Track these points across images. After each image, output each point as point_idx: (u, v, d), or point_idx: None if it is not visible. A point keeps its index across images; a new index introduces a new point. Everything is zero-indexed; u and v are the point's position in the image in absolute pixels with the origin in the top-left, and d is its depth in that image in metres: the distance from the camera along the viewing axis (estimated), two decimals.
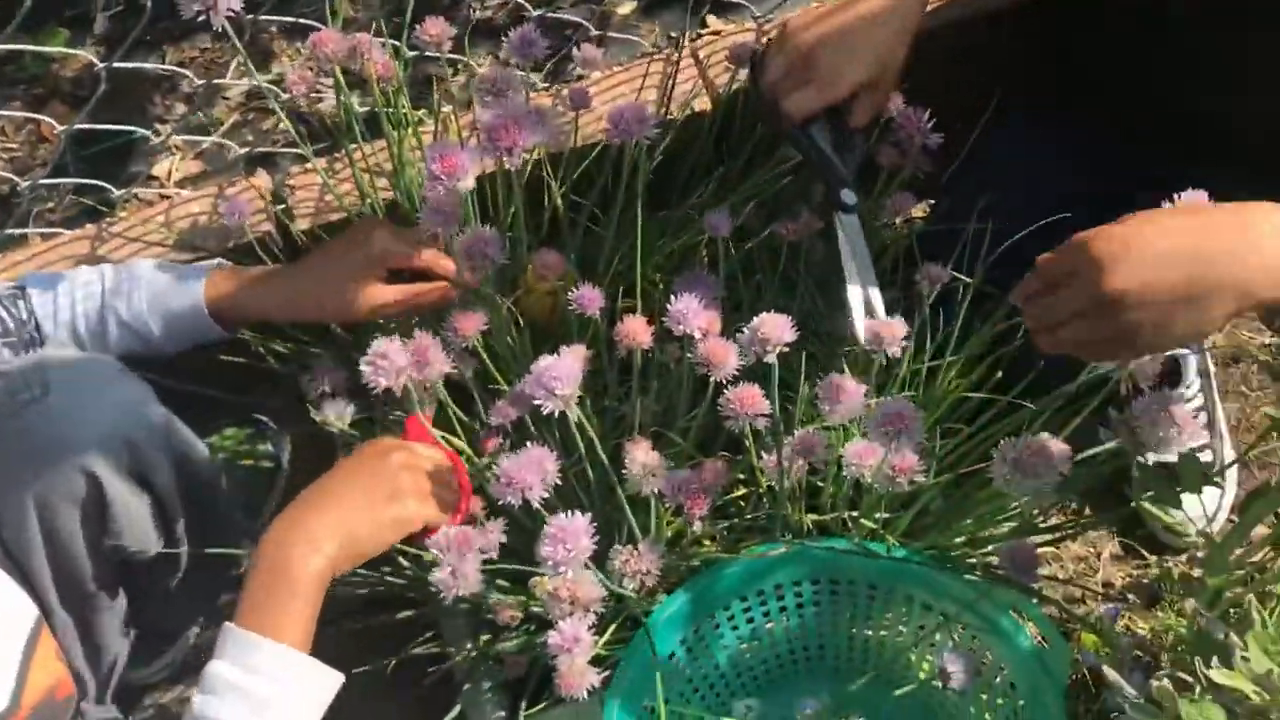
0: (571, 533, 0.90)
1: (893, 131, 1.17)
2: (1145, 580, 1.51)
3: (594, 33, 1.70)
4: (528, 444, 0.98)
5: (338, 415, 1.04)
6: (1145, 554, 1.49)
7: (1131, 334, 0.80)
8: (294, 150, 1.18)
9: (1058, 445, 0.91)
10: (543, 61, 1.49)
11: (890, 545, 1.14)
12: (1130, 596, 1.25)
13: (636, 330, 0.96)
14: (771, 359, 0.86)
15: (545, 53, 1.13)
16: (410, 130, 1.28)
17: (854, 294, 1.13)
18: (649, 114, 1.01)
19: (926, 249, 1.22)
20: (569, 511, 0.91)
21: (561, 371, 0.88)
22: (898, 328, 0.96)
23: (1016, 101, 1.32)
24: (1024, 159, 1.30)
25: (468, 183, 0.93)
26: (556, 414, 0.88)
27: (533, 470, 0.93)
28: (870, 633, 1.21)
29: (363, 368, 0.94)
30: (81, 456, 1.05)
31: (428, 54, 1.17)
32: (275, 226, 1.35)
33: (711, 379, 0.97)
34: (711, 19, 1.77)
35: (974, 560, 1.14)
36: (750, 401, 0.94)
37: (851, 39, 1.13)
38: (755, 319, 0.86)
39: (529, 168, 1.21)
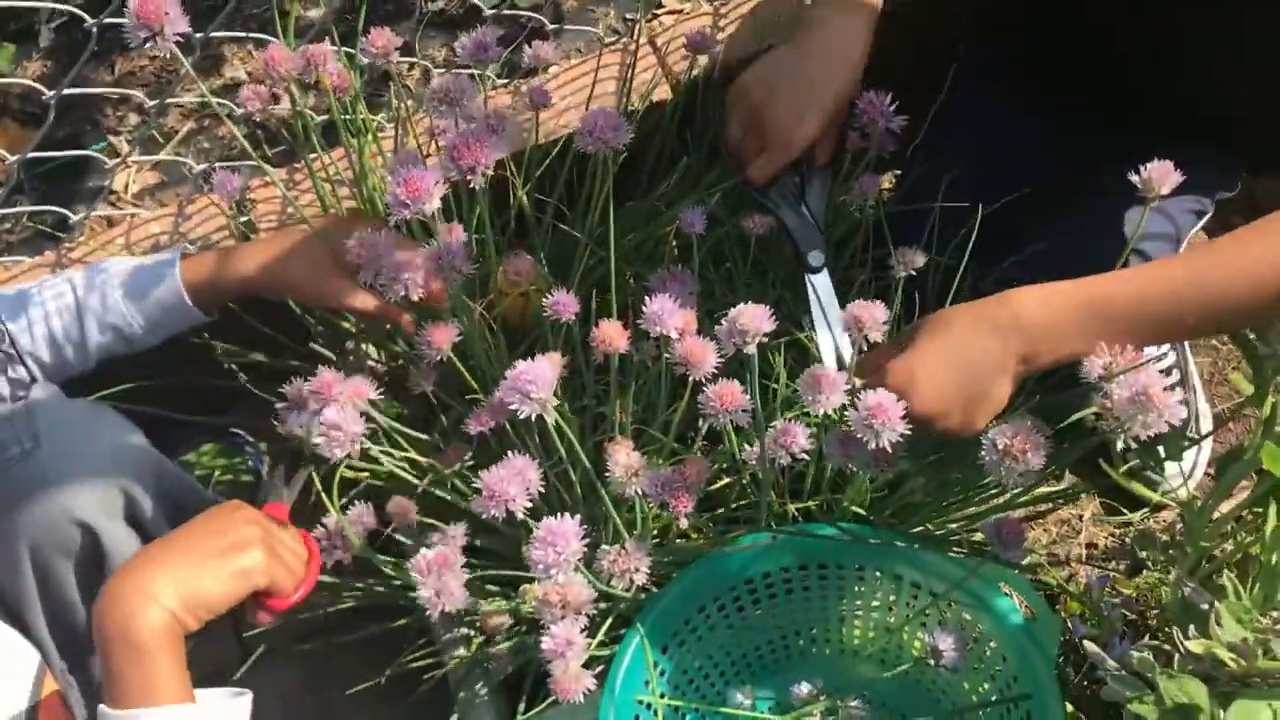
0: (561, 535, 0.90)
1: (855, 117, 1.17)
2: (1128, 540, 1.53)
3: (549, 26, 1.68)
4: (508, 453, 0.97)
5: (302, 426, 1.03)
6: (1125, 511, 1.50)
7: (952, 433, 0.97)
8: (252, 162, 1.16)
9: (1040, 429, 0.91)
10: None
11: (875, 528, 1.14)
12: (1114, 563, 1.26)
13: (612, 335, 0.95)
14: (751, 350, 0.86)
15: (500, 53, 1.12)
16: (370, 137, 1.27)
17: (826, 349, 1.16)
18: (621, 122, 1.00)
19: (895, 229, 1.22)
20: (557, 514, 0.91)
21: (536, 375, 0.87)
22: (877, 311, 0.96)
23: (980, 68, 1.32)
24: (988, 131, 1.30)
25: (432, 205, 0.92)
26: (534, 417, 0.88)
27: (514, 481, 0.93)
28: (861, 614, 1.22)
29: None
30: (75, 507, 1.05)
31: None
32: (238, 240, 1.33)
33: (691, 377, 0.96)
34: None
35: (960, 538, 1.15)
36: (730, 398, 0.94)
37: (800, 95, 1.13)
38: (733, 310, 0.86)
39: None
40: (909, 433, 0.90)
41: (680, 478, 1.00)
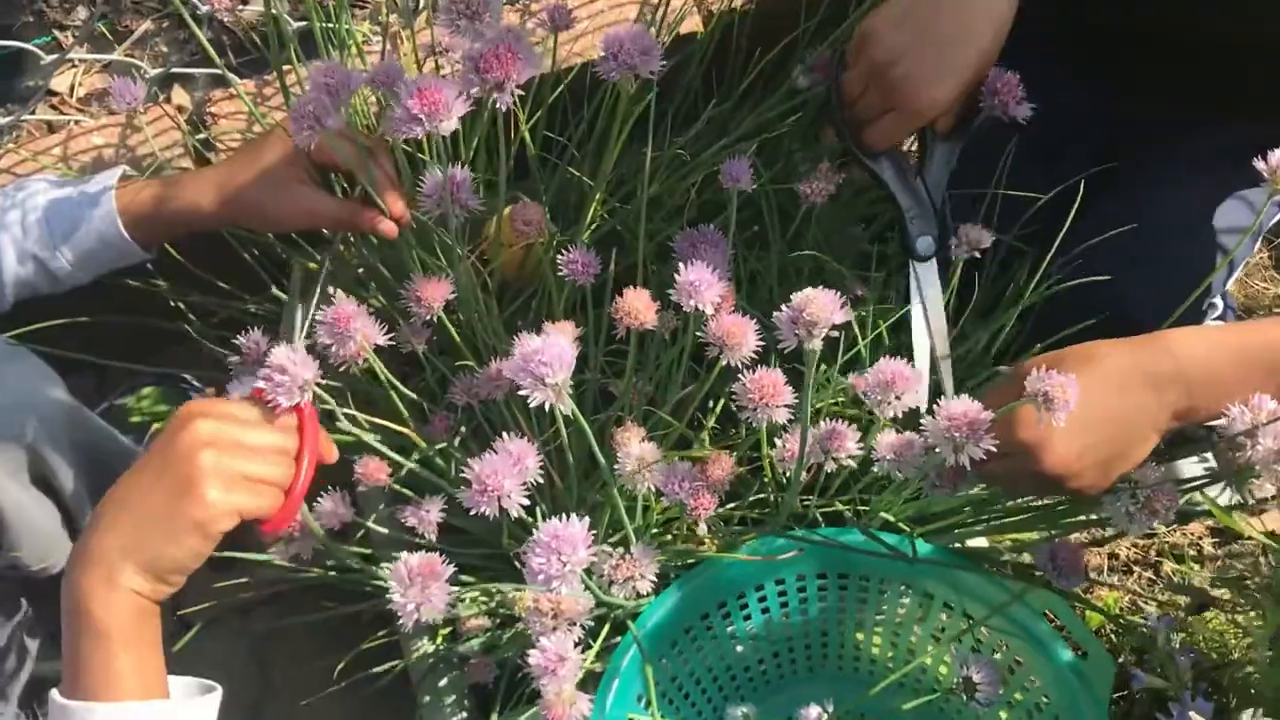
0: (567, 541, 0.76)
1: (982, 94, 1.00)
2: (1153, 551, 1.42)
3: None
4: (503, 435, 0.82)
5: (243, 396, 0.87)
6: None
7: (1077, 493, 0.84)
8: (215, 71, 1.00)
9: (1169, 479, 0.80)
10: None
11: (908, 537, 1.01)
12: (1178, 602, 1.14)
13: (638, 308, 0.81)
14: (816, 345, 0.71)
15: None
16: (354, 49, 1.09)
17: (920, 345, 1.00)
18: (653, 44, 0.84)
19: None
20: (554, 509, 0.76)
21: (553, 355, 0.72)
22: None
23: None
24: (1041, 100, 1.16)
25: (451, 124, 0.76)
26: (547, 409, 0.73)
27: (510, 471, 0.78)
28: (882, 632, 1.09)
29: (259, 383, 0.77)
30: None
31: None
32: (193, 160, 1.16)
33: (723, 360, 0.82)
34: None
35: (1005, 557, 1.02)
36: (772, 391, 0.80)
37: (939, 57, 0.94)
38: (798, 296, 0.71)
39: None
40: (994, 449, 0.76)
41: (702, 475, 0.86)
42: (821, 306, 0.70)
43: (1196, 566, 1.39)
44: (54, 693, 0.74)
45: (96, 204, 0.97)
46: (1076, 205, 1.06)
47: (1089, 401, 0.77)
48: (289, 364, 0.78)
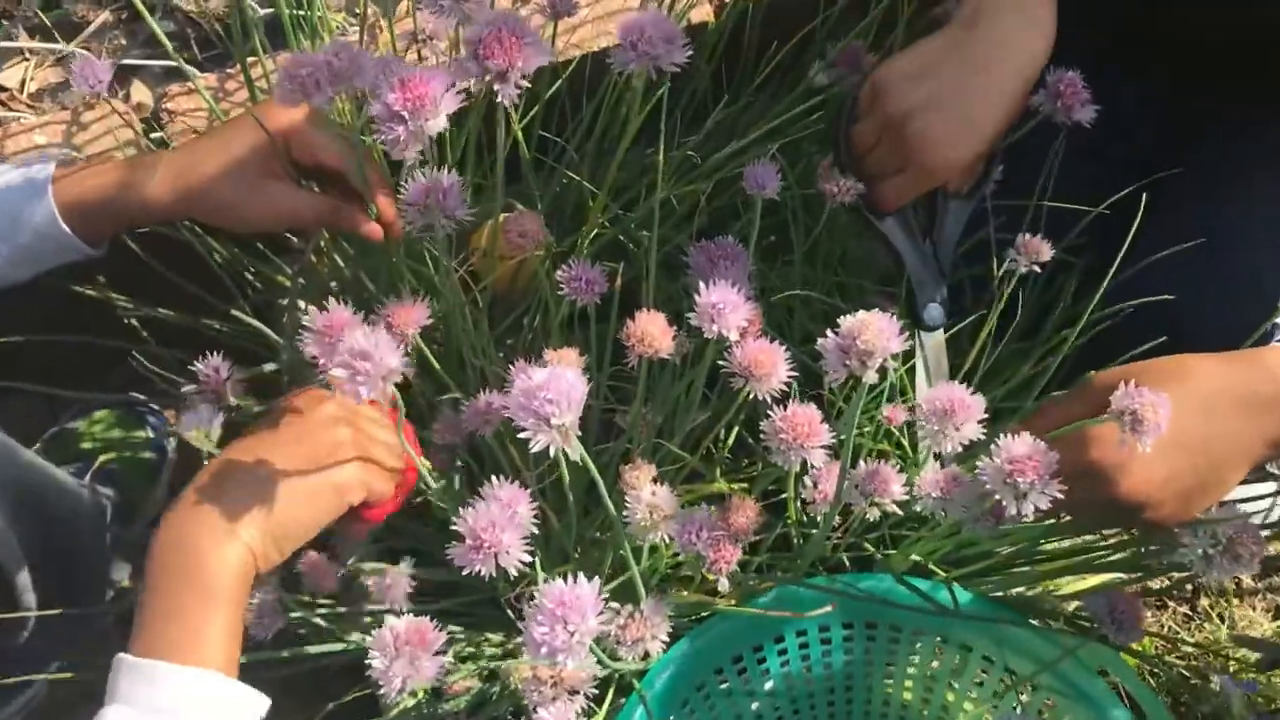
0: (575, 608, 0.65)
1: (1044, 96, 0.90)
2: (1187, 583, 1.32)
3: None
4: (494, 478, 0.72)
5: (201, 429, 0.76)
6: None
7: (1155, 525, 0.76)
8: (175, 64, 0.89)
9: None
10: None
11: (944, 583, 0.91)
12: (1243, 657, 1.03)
13: (653, 334, 0.70)
14: (871, 377, 0.60)
15: None
16: (327, 39, 0.98)
17: None
18: (677, 31, 0.73)
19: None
20: (568, 575, 0.66)
21: (559, 391, 0.61)
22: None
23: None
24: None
25: (439, 122, 0.65)
26: (553, 453, 0.62)
27: (507, 522, 0.68)
28: (913, 688, 0.98)
29: (335, 373, 0.65)
30: None
31: None
32: None
33: (750, 393, 0.72)
34: None
35: (1051, 607, 0.91)
36: (807, 430, 0.69)
37: (959, 115, 0.84)
38: (848, 320, 0.60)
39: (482, 93, 0.92)
40: (1061, 497, 0.66)
41: (724, 525, 0.75)
42: (878, 333, 0.59)
43: (1237, 601, 1.30)
44: (120, 655, 0.68)
45: (34, 193, 0.86)
46: (1132, 216, 0.96)
47: (1174, 423, 0.67)
48: (371, 349, 0.66)
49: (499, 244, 0.89)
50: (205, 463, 0.78)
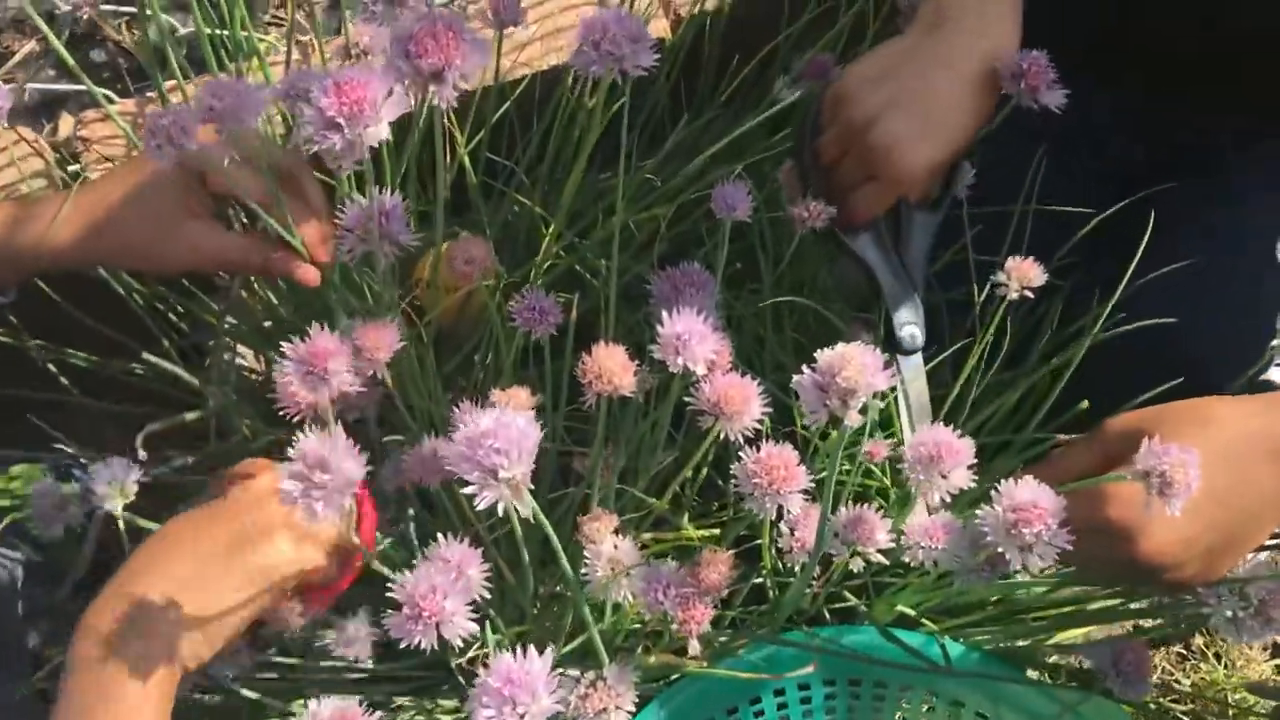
0: (524, 686, 0.57)
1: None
2: (1195, 664, 1.25)
3: None
4: (440, 537, 0.64)
5: (113, 485, 0.68)
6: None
7: (1176, 585, 0.70)
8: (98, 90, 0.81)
9: None
10: None
11: (932, 636, 0.84)
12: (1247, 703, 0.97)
13: (612, 370, 0.63)
14: (854, 419, 0.53)
15: None
16: (254, 61, 0.91)
17: None
18: (644, 30, 0.66)
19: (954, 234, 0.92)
20: (516, 646, 0.58)
21: (508, 439, 0.54)
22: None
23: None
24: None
25: (380, 130, 0.58)
26: (501, 512, 0.54)
27: (450, 586, 0.60)
28: None
29: (285, 486, 0.58)
30: None
31: None
32: None
33: (720, 432, 0.64)
34: None
35: (1051, 658, 0.85)
36: (784, 474, 0.62)
37: (925, 117, 0.79)
38: (827, 354, 0.53)
39: (424, 111, 0.84)
40: (1069, 548, 0.59)
41: (694, 580, 0.68)
42: (860, 369, 0.52)
43: (1226, 640, 1.24)
44: None
45: None
46: (1116, 234, 0.90)
47: (1202, 475, 0.61)
48: (330, 455, 0.58)
49: (444, 274, 0.81)
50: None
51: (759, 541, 0.86)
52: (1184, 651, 1.25)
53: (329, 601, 0.75)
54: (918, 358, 0.83)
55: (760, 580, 0.88)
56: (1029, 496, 0.59)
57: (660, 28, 1.03)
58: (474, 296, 0.93)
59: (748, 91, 1.02)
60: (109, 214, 0.79)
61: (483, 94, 0.94)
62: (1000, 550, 0.60)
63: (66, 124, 1.27)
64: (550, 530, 0.58)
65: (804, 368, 0.55)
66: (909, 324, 0.82)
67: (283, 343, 0.64)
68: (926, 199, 0.84)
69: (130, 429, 0.96)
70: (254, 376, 1.03)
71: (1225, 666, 1.23)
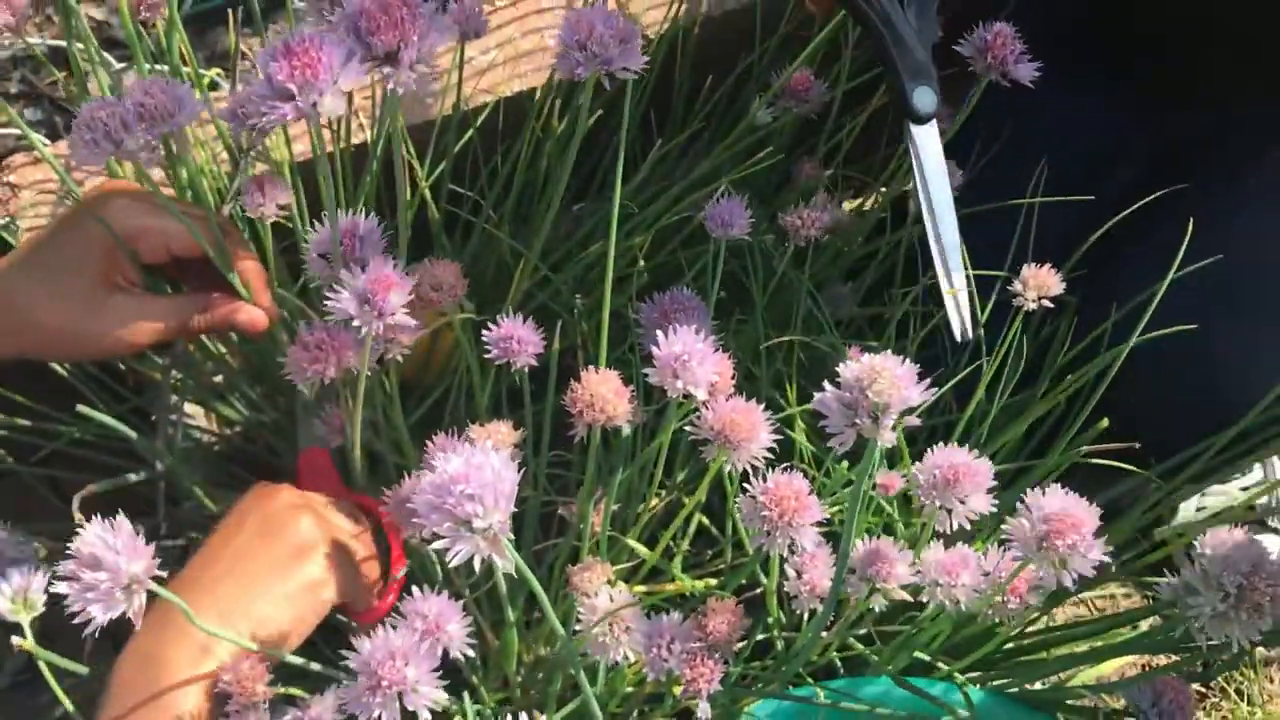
0: None
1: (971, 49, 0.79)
2: (1217, 702, 1.19)
3: None
4: (414, 590, 0.58)
5: (16, 598, 0.59)
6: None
7: None
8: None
9: None
10: None
11: (955, 684, 0.77)
12: None
13: (606, 397, 0.56)
14: (887, 438, 0.47)
15: None
16: (198, 92, 0.85)
17: (938, 249, 0.75)
18: (632, 29, 0.61)
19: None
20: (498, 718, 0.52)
21: (481, 482, 0.47)
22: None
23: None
24: (1068, 113, 0.97)
25: (334, 103, 0.52)
26: (477, 566, 0.48)
27: (413, 652, 0.54)
28: None
29: (60, 586, 0.52)
30: None
31: None
32: None
33: (726, 464, 0.59)
34: None
35: (1084, 702, 0.78)
36: (796, 505, 0.56)
37: None
38: (854, 366, 0.48)
39: (380, 140, 0.79)
40: (1107, 560, 0.54)
41: (700, 632, 0.61)
42: (892, 380, 0.46)
43: (1251, 673, 1.18)
44: None
45: None
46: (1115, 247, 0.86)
47: None
48: (105, 552, 0.52)
49: None
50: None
51: (760, 590, 0.80)
52: (1203, 690, 1.19)
53: (388, 608, 0.71)
54: (933, 129, 0.76)
55: (763, 637, 0.81)
56: (1060, 505, 0.54)
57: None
58: (441, 340, 0.87)
59: (721, 117, 0.97)
60: (25, 302, 0.71)
61: (443, 123, 0.89)
62: (1033, 565, 0.54)
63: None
64: (536, 584, 0.52)
65: (825, 385, 0.49)
66: (922, 86, 0.74)
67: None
68: None
69: (65, 499, 0.89)
70: (205, 437, 0.96)
71: (1248, 703, 1.17)
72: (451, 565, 0.47)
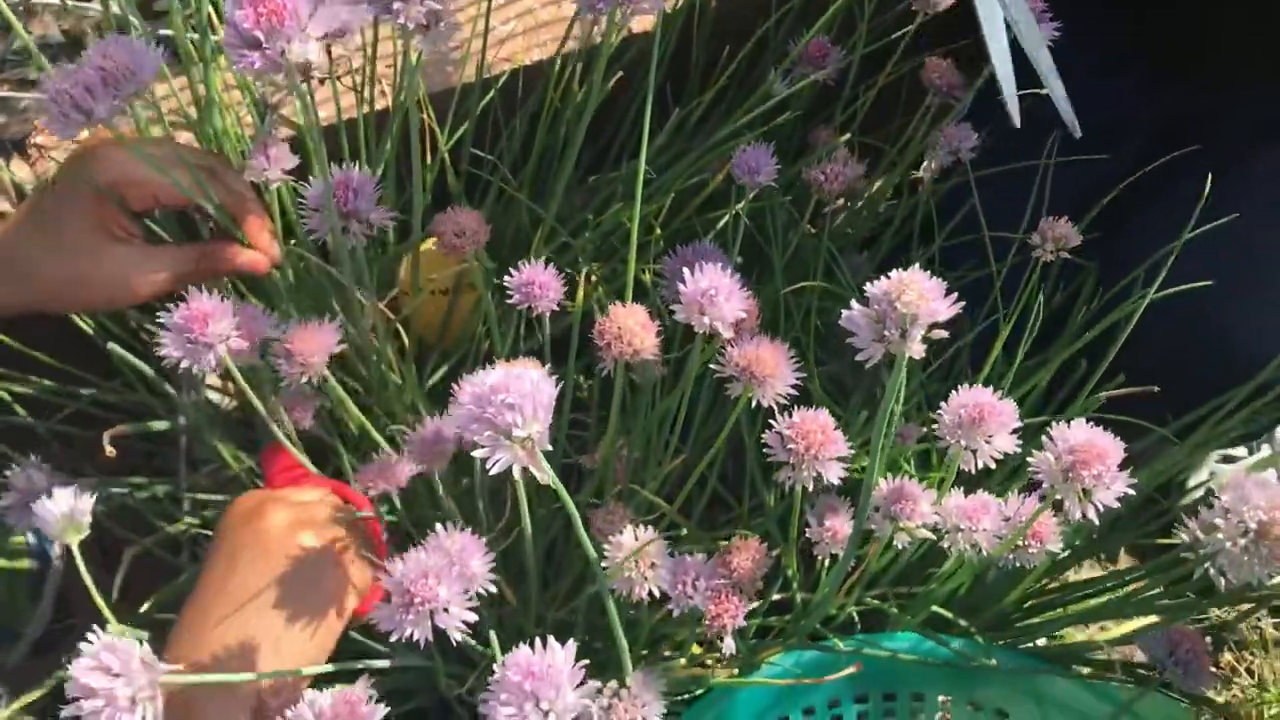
0: (547, 680, 0.52)
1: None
2: (1228, 681, 1.20)
3: None
4: (438, 527, 0.58)
5: (63, 518, 0.60)
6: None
7: None
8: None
9: None
10: None
11: (974, 639, 0.78)
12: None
13: (632, 328, 0.57)
14: (915, 350, 0.48)
15: None
16: (224, 56, 0.86)
17: (1002, 61, 0.74)
18: None
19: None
20: (535, 638, 0.53)
21: (520, 392, 0.48)
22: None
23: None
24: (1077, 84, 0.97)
25: (306, 49, 0.52)
26: (518, 475, 0.49)
27: (446, 573, 0.55)
28: None
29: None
30: None
31: None
32: None
33: (753, 399, 0.59)
34: None
35: (1101, 655, 0.79)
36: (822, 437, 0.57)
37: None
38: (882, 282, 0.49)
39: (402, 107, 0.80)
40: (1132, 492, 0.55)
41: (724, 570, 0.62)
42: (920, 291, 0.47)
43: (1263, 653, 1.18)
44: None
45: None
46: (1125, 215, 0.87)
47: None
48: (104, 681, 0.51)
49: (426, 270, 0.76)
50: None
51: (775, 553, 0.81)
52: (1213, 669, 1.20)
53: (367, 611, 0.69)
54: None
55: (780, 596, 0.82)
56: (1085, 437, 0.54)
57: (645, 23, 0.99)
58: (460, 302, 0.88)
59: (738, 86, 0.98)
60: (26, 258, 0.72)
61: (464, 90, 0.90)
62: (1059, 497, 0.54)
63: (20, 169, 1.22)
64: (568, 499, 0.52)
65: (852, 303, 0.50)
66: None
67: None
68: None
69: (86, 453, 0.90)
70: (225, 401, 0.97)
71: (1258, 684, 1.17)
72: (492, 473, 0.48)
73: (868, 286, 0.49)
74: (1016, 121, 0.71)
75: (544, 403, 0.49)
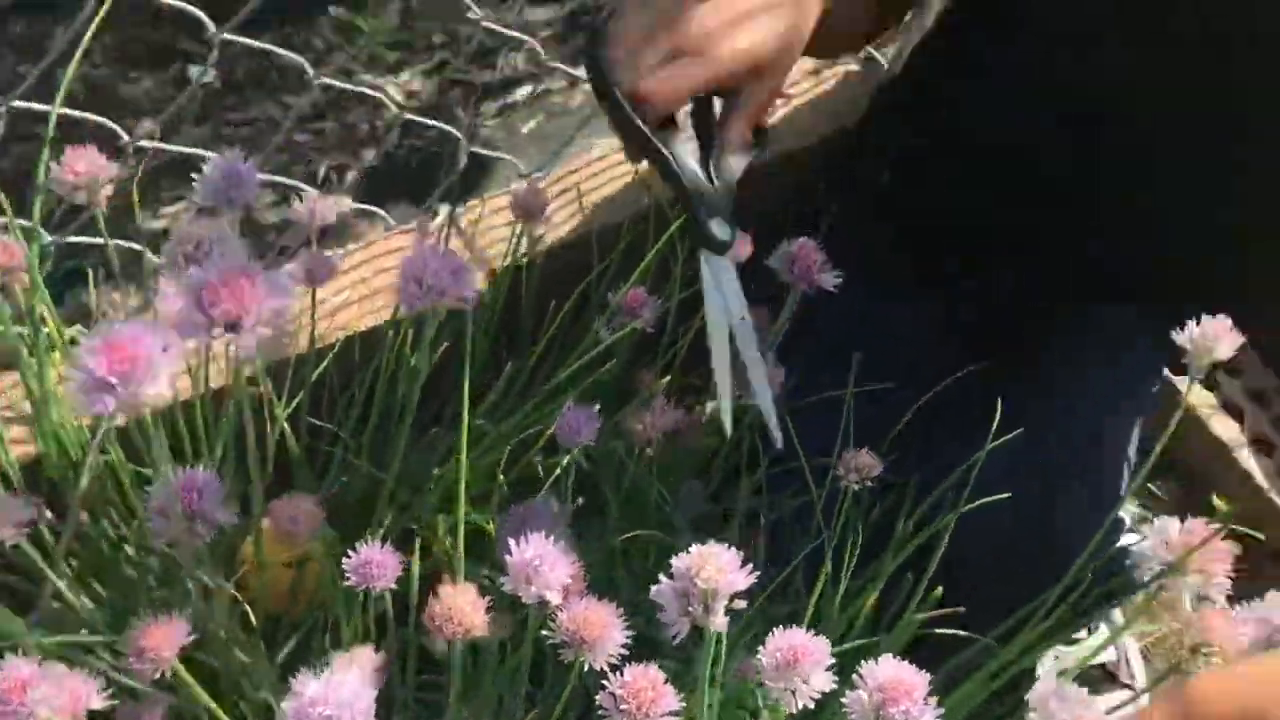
0: None
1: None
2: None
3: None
4: None
5: None
6: None
7: None
8: None
9: None
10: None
11: None
12: None
13: (462, 608, 0.59)
14: (719, 624, 0.52)
15: (255, 187, 0.78)
16: (58, 351, 0.88)
17: (722, 376, 0.80)
18: (463, 265, 0.68)
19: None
20: None
21: (339, 703, 0.50)
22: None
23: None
24: (857, 317, 1.06)
25: (159, 388, 0.54)
26: None
27: None
28: None
29: None
30: None
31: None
32: None
33: (579, 662, 0.62)
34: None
35: None
36: (652, 695, 0.59)
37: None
38: (682, 557, 0.52)
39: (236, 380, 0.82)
40: None
41: None
42: (719, 567, 0.51)
43: None
44: None
45: None
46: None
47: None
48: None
49: (269, 549, 0.77)
50: None
51: None
52: None
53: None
54: (727, 260, 0.79)
55: None
56: (892, 674, 0.58)
57: (477, 280, 1.04)
58: (306, 573, 0.89)
59: (565, 337, 1.04)
60: None
61: (298, 360, 0.93)
62: None
63: None
64: None
65: (660, 577, 0.54)
66: (715, 219, 0.76)
67: None
68: (734, 136, 0.79)
69: None
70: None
71: None
72: None
73: (673, 560, 0.53)
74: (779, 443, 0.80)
75: (362, 709, 0.50)
